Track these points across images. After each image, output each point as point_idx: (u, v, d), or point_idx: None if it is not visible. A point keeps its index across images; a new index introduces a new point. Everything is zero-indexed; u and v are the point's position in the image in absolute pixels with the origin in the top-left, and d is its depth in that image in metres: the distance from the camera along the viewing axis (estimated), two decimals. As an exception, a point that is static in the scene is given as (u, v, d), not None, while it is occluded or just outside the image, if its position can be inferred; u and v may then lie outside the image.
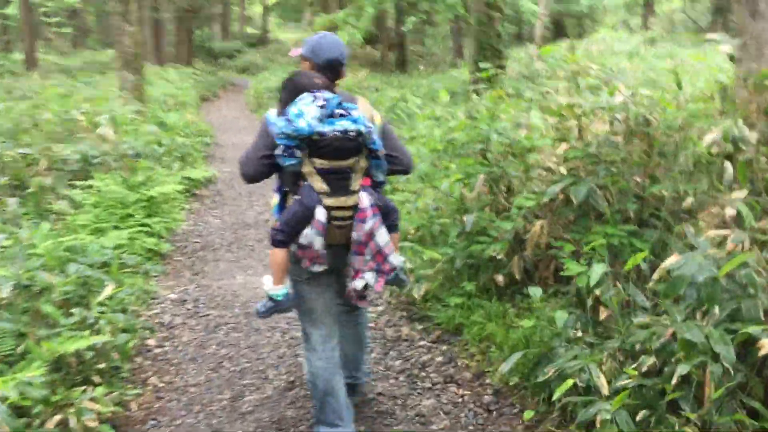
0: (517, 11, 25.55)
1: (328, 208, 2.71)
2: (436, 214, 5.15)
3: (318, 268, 2.83)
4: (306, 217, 2.71)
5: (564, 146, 4.60)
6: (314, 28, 12.99)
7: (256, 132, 2.92)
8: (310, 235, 2.73)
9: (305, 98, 2.70)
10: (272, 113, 2.84)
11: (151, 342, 4.25)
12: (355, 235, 2.77)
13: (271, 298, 2.93)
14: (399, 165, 2.97)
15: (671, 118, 4.35)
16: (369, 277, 2.85)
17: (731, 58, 4.69)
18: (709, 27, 30.32)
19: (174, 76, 19.06)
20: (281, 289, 2.92)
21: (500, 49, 13.24)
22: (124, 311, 4.27)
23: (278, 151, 2.72)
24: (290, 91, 2.78)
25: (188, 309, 4.89)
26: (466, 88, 13.27)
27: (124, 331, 3.88)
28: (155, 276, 5.07)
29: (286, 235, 2.80)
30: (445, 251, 4.37)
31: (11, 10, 28.68)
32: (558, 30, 36.06)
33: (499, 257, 4.22)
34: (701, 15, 32.04)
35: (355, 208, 2.75)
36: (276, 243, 2.84)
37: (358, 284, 2.85)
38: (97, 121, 8.84)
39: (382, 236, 2.81)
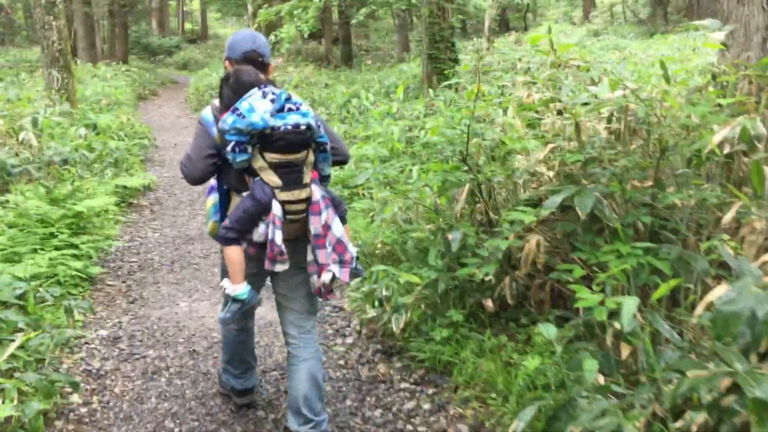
0: (463, 3, 25.11)
1: (282, 203, 2.68)
2: (410, 228, 4.47)
3: (280, 267, 2.75)
4: (258, 213, 2.68)
5: (549, 147, 4.01)
6: (258, 21, 12.17)
7: (194, 133, 2.87)
8: (267, 232, 2.69)
9: (255, 93, 2.66)
10: (207, 112, 2.83)
11: (76, 399, 3.46)
12: (313, 228, 2.75)
13: (235, 300, 2.82)
14: (338, 155, 2.98)
15: (676, 114, 3.77)
16: (334, 268, 2.78)
17: (725, 46, 4.16)
18: (648, 18, 30.57)
19: (108, 73, 17.86)
20: (244, 288, 2.81)
21: (453, 42, 12.66)
22: (39, 362, 3.47)
23: (228, 148, 2.64)
24: (233, 87, 2.74)
25: (122, 350, 4.10)
26: (419, 83, 12.66)
27: (39, 392, 3.09)
28: (82, 309, 4.26)
29: (237, 233, 2.74)
30: (426, 274, 3.70)
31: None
32: (501, 23, 35.86)
33: (487, 278, 3.59)
34: (642, 7, 32.20)
35: (308, 201, 2.73)
36: (227, 241, 2.76)
37: (326, 277, 2.77)
38: (19, 126, 7.88)
39: (338, 227, 2.78)
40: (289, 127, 2.61)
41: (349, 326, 4.37)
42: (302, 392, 2.89)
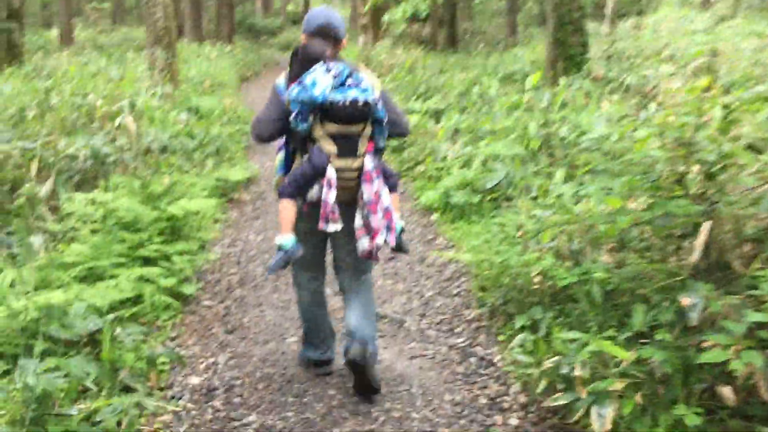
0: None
1: (337, 169, 2.89)
2: (594, 268, 3.27)
3: (333, 227, 2.93)
4: (313, 176, 2.91)
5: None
6: (371, 0, 11.16)
7: (267, 97, 3.03)
8: (322, 193, 2.89)
9: (319, 68, 2.84)
10: (281, 80, 3.00)
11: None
12: (365, 195, 2.93)
13: (280, 248, 3.02)
14: (398, 128, 3.10)
15: None
16: (385, 234, 2.99)
17: None
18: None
19: (212, 53, 17.31)
20: (290, 238, 3.03)
21: (582, 25, 11.20)
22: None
23: (292, 116, 2.84)
24: (301, 60, 2.90)
25: (216, 411, 3.14)
26: (539, 69, 11.29)
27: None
28: (168, 357, 3.32)
29: (294, 189, 2.97)
30: (648, 353, 2.53)
31: (50, -16, 27.29)
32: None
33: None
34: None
35: (360, 170, 2.93)
36: (284, 195, 3.00)
37: (379, 240, 2.96)
38: (119, 108, 7.15)
39: (387, 196, 3.01)
40: (348, 102, 2.81)
41: (507, 394, 3.25)
42: (352, 324, 3.15)
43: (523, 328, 3.56)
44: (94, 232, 4.29)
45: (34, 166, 5.15)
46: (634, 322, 2.79)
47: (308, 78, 2.80)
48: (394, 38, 16.23)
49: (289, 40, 29.87)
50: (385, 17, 11.13)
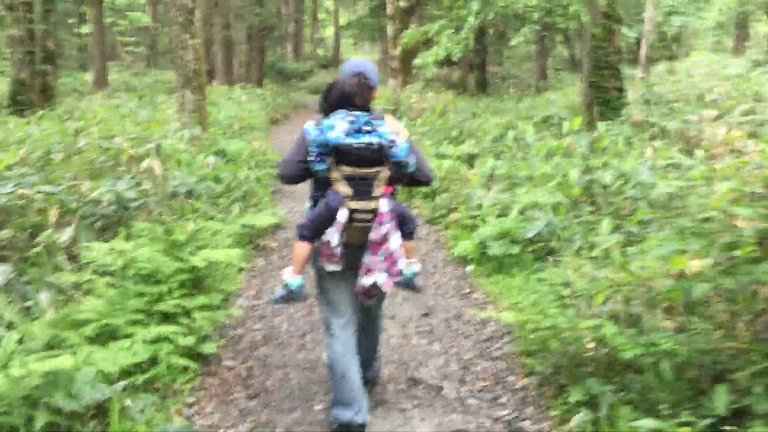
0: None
1: (351, 210, 2.99)
2: (663, 341, 2.88)
3: (332, 267, 3.06)
4: (329, 217, 2.99)
5: None
6: (403, 44, 10.99)
7: (295, 140, 3.14)
8: (330, 233, 2.99)
9: (339, 113, 2.98)
10: (309, 125, 3.04)
11: None
12: (372, 235, 3.02)
13: (286, 286, 3.16)
14: (422, 177, 3.20)
15: None
16: (379, 276, 3.05)
17: None
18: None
19: (242, 96, 17.31)
20: (299, 280, 3.17)
21: (619, 69, 10.91)
22: None
23: (311, 157, 2.99)
24: (334, 95, 3.03)
25: (235, 497, 2.79)
26: (572, 114, 10.96)
27: None
28: (187, 408, 2.99)
29: (310, 231, 3.07)
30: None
31: (87, 28, 27.82)
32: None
33: None
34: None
35: (375, 212, 3.01)
36: (301, 237, 3.11)
37: (366, 281, 3.05)
38: (146, 151, 6.96)
39: (395, 241, 3.06)
40: (362, 145, 2.91)
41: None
42: (364, 353, 3.39)
43: (578, 403, 3.16)
44: (111, 285, 3.98)
45: (53, 213, 4.91)
46: (717, 405, 2.40)
47: (328, 121, 2.95)
48: (425, 82, 16.07)
49: (318, 84, 30.04)
50: (417, 61, 10.93)
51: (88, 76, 25.15)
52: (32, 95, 14.10)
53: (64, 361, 2.92)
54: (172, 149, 7.35)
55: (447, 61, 23.65)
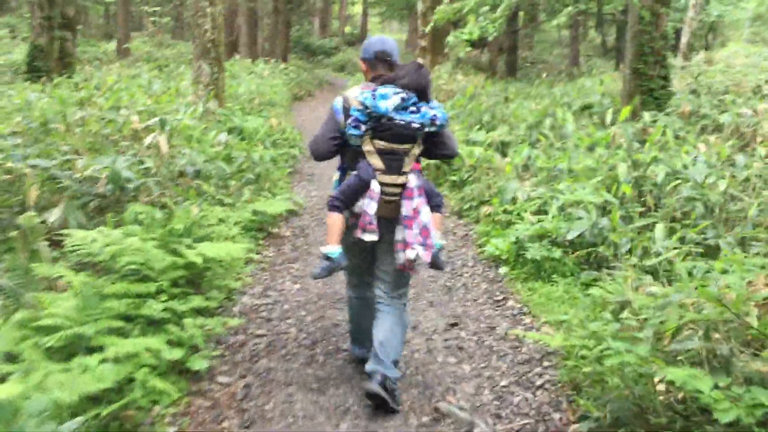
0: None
1: (382, 184, 3.05)
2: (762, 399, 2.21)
3: (369, 237, 3.07)
4: (361, 189, 3.05)
5: None
6: (435, 20, 10.22)
7: (325, 118, 3.19)
8: (364, 204, 3.05)
9: (389, 87, 3.02)
10: (337, 101, 3.13)
11: None
12: (404, 210, 3.09)
13: (327, 257, 3.11)
14: (447, 151, 3.22)
15: None
16: (419, 249, 3.08)
17: None
18: None
19: (265, 70, 16.63)
20: (335, 248, 3.12)
21: (665, 56, 10.06)
22: None
23: (349, 120, 3.03)
24: (402, 82, 3.04)
25: None
26: (613, 102, 10.15)
27: None
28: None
29: (341, 202, 3.10)
30: None
31: (112, -2, 27.24)
32: (676, 42, 31.89)
33: None
34: None
35: (404, 186, 3.08)
36: (333, 208, 3.13)
37: (410, 254, 3.07)
38: (153, 125, 6.34)
39: (426, 214, 3.10)
40: (402, 122, 3.00)
41: None
42: (380, 338, 3.18)
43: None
44: (86, 282, 3.36)
45: (32, 191, 4.30)
46: None
47: (382, 90, 3.00)
48: (454, 62, 15.27)
49: (344, 61, 29.28)
50: (449, 39, 10.18)
51: (111, 46, 24.60)
52: (50, 62, 13.55)
53: (9, 388, 2.32)
54: (182, 124, 6.72)
55: (476, 43, 22.74)
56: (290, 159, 8.76)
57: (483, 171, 7.34)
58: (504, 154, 7.90)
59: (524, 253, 5.13)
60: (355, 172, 3.07)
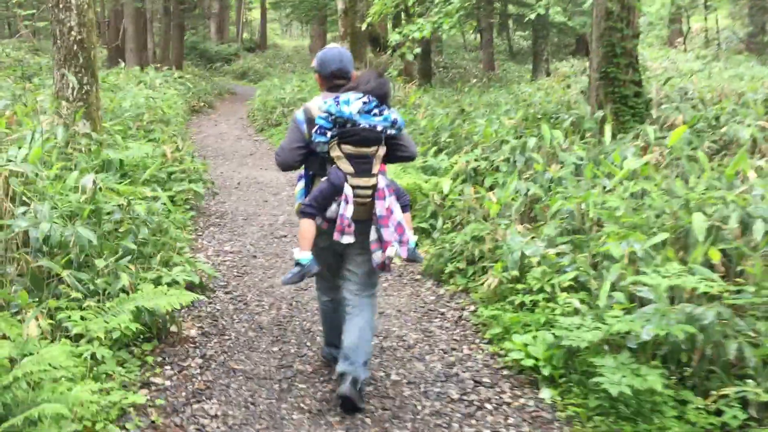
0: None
1: (353, 187, 3.02)
2: None
3: (347, 239, 3.03)
4: (332, 194, 3.03)
5: None
6: (371, 14, 8.17)
7: (288, 129, 3.23)
8: (340, 208, 3.00)
9: (351, 94, 3.01)
10: (299, 112, 3.15)
11: None
12: (378, 210, 3.06)
13: (298, 263, 3.11)
14: (406, 153, 3.23)
15: None
16: (396, 246, 3.07)
17: None
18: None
19: (157, 80, 13.94)
20: (306, 255, 3.10)
21: (637, 58, 8.43)
22: None
23: (314, 130, 3.01)
24: (366, 89, 3.03)
25: None
26: (576, 114, 8.38)
27: None
28: None
29: (313, 209, 3.07)
30: None
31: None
32: (579, 46, 31.28)
33: None
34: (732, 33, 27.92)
35: (374, 188, 3.07)
36: (304, 214, 3.10)
37: (390, 252, 3.06)
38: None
39: (398, 212, 3.12)
40: (367, 126, 2.98)
41: None
42: (351, 340, 3.12)
43: None
44: None
45: None
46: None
47: (344, 96, 3.00)
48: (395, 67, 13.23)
49: (245, 68, 26.70)
50: (394, 37, 8.12)
51: (-24, 53, 20.93)
52: None
53: None
54: (33, 154, 4.25)
55: (384, 48, 20.81)
56: (192, 197, 6.39)
57: (460, 212, 5.31)
58: (476, 183, 5.91)
59: (574, 362, 3.12)
60: (325, 178, 3.08)
